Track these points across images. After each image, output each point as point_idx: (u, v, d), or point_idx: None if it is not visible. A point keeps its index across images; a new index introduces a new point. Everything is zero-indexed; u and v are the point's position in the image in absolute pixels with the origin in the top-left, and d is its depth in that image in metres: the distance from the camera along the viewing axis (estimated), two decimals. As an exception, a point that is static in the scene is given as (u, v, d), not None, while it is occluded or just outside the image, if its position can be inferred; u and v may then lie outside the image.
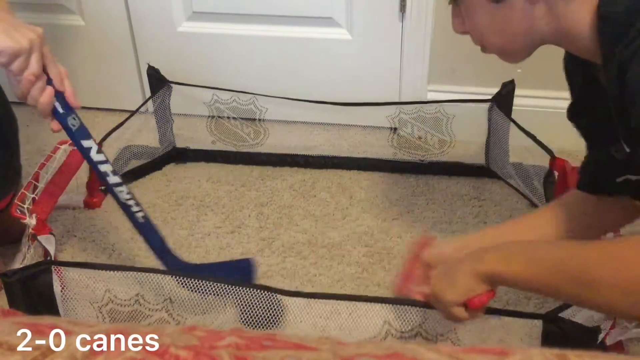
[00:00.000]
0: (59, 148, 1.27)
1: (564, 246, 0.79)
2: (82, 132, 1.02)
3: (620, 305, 0.69)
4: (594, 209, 0.97)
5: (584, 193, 0.98)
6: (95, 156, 1.03)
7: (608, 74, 0.74)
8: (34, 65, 0.92)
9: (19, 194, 1.14)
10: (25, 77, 0.92)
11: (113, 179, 1.05)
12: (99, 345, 0.41)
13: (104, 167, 1.04)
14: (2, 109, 1.20)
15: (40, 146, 1.55)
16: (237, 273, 1.14)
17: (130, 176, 1.50)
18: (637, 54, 0.69)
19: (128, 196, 1.05)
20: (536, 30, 0.80)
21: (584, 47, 0.78)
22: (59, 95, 0.98)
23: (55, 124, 1.00)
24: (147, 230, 1.09)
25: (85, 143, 1.02)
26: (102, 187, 1.44)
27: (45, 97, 0.96)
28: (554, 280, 0.74)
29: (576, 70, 0.91)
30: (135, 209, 1.06)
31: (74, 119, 1.00)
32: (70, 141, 1.29)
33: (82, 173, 1.36)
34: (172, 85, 1.56)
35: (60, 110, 0.98)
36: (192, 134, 1.63)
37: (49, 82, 0.96)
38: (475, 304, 0.82)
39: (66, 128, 1.00)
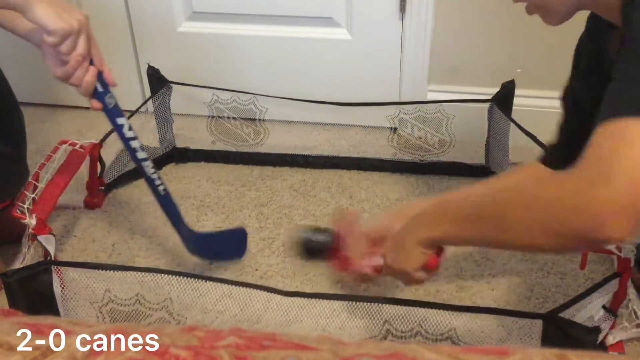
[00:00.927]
0: (59, 148, 1.27)
1: (477, 195, 0.85)
2: (117, 110, 1.06)
3: (540, 240, 0.71)
4: None
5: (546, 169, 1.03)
6: (127, 133, 1.08)
7: (627, 30, 0.75)
8: (81, 46, 0.95)
9: (19, 193, 1.14)
10: (74, 57, 0.96)
11: (141, 155, 1.11)
12: (99, 345, 0.41)
13: (134, 144, 1.10)
14: (11, 107, 1.20)
15: (40, 146, 1.55)
16: (234, 241, 1.27)
17: (131, 176, 1.50)
18: None
19: (152, 170, 1.13)
20: None
21: (614, 8, 0.79)
22: (99, 75, 1.02)
23: (96, 103, 1.03)
24: (167, 203, 1.17)
25: (119, 120, 1.07)
26: (102, 187, 1.44)
27: (89, 76, 0.99)
28: (477, 233, 0.79)
29: (587, 52, 0.94)
30: (157, 182, 1.14)
31: (111, 97, 1.05)
32: (70, 141, 1.30)
33: (82, 173, 1.36)
34: (172, 85, 1.56)
35: (100, 89, 1.03)
36: (192, 134, 1.63)
37: (90, 62, 1.00)
38: (431, 265, 0.91)
39: (104, 105, 1.04)
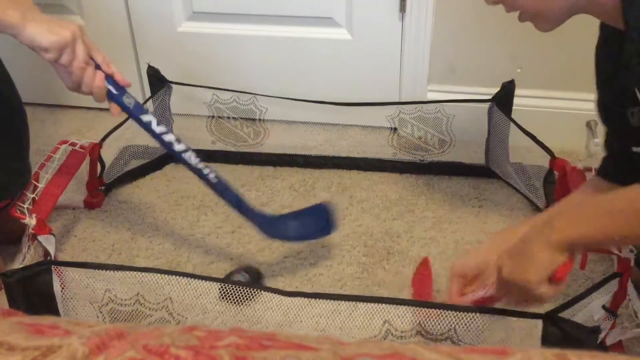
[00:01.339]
0: (59, 148, 1.27)
1: (622, 192, 0.77)
2: (139, 109, 1.05)
3: None
4: None
5: (607, 182, 1.00)
6: (157, 128, 1.07)
7: (630, 37, 0.76)
8: (80, 54, 0.96)
9: (20, 193, 1.15)
10: (75, 66, 0.96)
11: (179, 147, 1.08)
12: (99, 345, 0.41)
13: (168, 137, 1.08)
14: (15, 105, 1.21)
15: (40, 146, 1.55)
16: (318, 219, 1.20)
17: (130, 176, 1.50)
18: None
19: (197, 160, 1.09)
20: None
21: (610, 11, 0.80)
22: (109, 79, 1.02)
23: (114, 107, 1.04)
24: (222, 189, 1.12)
25: (145, 118, 1.06)
26: (102, 187, 1.44)
27: (97, 81, 1.00)
28: (628, 226, 0.74)
29: (607, 60, 0.93)
30: (206, 171, 1.10)
31: (128, 97, 1.04)
32: (70, 141, 1.30)
33: (82, 173, 1.36)
34: (172, 85, 1.56)
35: (114, 91, 1.02)
36: (192, 134, 1.63)
37: (97, 67, 1.00)
38: (561, 275, 0.78)
39: (123, 107, 1.04)
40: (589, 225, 0.76)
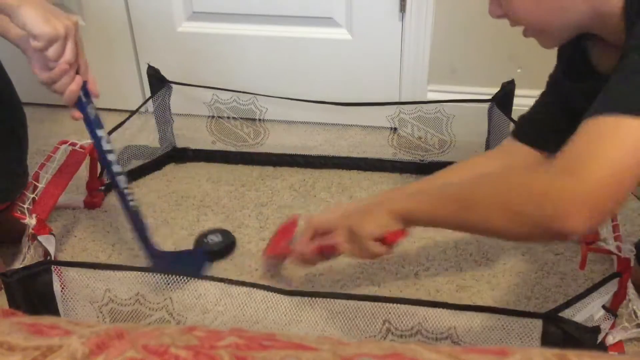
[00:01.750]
0: (58, 148, 1.27)
1: (461, 182, 0.84)
2: (97, 122, 1.05)
3: (500, 223, 0.73)
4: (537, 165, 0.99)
5: (528, 148, 1.04)
6: (105, 145, 1.07)
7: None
8: (69, 54, 0.93)
9: (20, 195, 1.15)
10: (61, 64, 0.93)
11: (116, 168, 1.09)
12: (99, 345, 0.41)
13: (110, 156, 1.08)
14: (13, 106, 1.20)
15: (40, 146, 1.55)
16: (194, 261, 1.26)
17: (130, 176, 1.50)
18: None
19: (125, 185, 1.11)
20: (573, 9, 0.81)
21: (614, 29, 0.79)
22: (83, 84, 1.00)
23: (77, 113, 1.02)
24: (137, 219, 1.14)
25: (99, 132, 1.06)
26: (102, 187, 1.44)
27: (74, 85, 0.97)
28: (447, 211, 0.79)
29: (572, 52, 0.96)
30: (129, 197, 1.12)
31: (92, 108, 1.03)
32: (70, 141, 1.30)
33: (82, 173, 1.36)
34: (172, 85, 1.56)
35: (84, 99, 1.01)
36: (192, 134, 1.63)
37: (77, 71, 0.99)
38: (391, 239, 0.88)
39: (86, 116, 1.02)
40: (425, 204, 0.83)
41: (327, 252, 0.98)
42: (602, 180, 0.66)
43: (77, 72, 0.98)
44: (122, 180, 1.10)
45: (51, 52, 0.92)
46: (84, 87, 1.00)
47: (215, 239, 1.29)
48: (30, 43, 0.91)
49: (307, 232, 1.01)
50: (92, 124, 1.04)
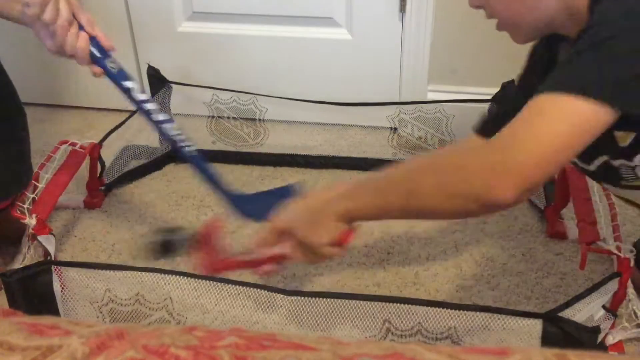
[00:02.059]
0: (58, 148, 1.27)
1: (396, 169, 0.83)
2: (122, 74, 1.02)
3: (440, 204, 0.74)
4: None
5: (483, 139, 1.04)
6: (138, 96, 1.03)
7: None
8: (63, 12, 0.93)
9: (21, 193, 1.15)
10: (59, 25, 0.93)
11: (159, 117, 1.05)
12: (99, 345, 0.41)
13: (148, 105, 1.05)
14: (13, 103, 1.20)
15: (40, 146, 1.55)
16: (283, 199, 1.16)
17: (130, 176, 1.50)
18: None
19: (177, 132, 1.07)
20: (545, 3, 0.82)
21: (581, 27, 0.79)
22: (93, 40, 0.99)
23: (96, 68, 1.00)
24: (198, 162, 1.10)
25: (127, 84, 1.03)
26: (102, 187, 1.44)
27: (81, 41, 0.97)
28: (389, 201, 0.79)
29: (542, 53, 0.97)
30: (183, 144, 1.07)
31: (112, 62, 1.01)
32: (70, 141, 1.30)
33: (82, 173, 1.36)
34: (172, 85, 1.56)
35: (98, 54, 0.99)
36: (192, 134, 1.63)
37: (81, 28, 0.97)
38: (344, 240, 0.87)
39: (107, 71, 1.01)
40: (365, 200, 0.83)
41: (279, 261, 0.94)
42: (530, 153, 0.68)
43: (82, 30, 0.97)
44: (170, 127, 1.06)
45: (47, 15, 0.92)
46: (96, 44, 0.99)
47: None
48: (29, 16, 0.91)
49: (271, 236, 0.95)
50: (116, 77, 1.02)
